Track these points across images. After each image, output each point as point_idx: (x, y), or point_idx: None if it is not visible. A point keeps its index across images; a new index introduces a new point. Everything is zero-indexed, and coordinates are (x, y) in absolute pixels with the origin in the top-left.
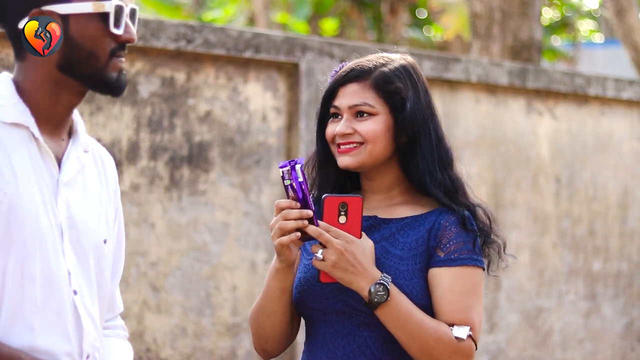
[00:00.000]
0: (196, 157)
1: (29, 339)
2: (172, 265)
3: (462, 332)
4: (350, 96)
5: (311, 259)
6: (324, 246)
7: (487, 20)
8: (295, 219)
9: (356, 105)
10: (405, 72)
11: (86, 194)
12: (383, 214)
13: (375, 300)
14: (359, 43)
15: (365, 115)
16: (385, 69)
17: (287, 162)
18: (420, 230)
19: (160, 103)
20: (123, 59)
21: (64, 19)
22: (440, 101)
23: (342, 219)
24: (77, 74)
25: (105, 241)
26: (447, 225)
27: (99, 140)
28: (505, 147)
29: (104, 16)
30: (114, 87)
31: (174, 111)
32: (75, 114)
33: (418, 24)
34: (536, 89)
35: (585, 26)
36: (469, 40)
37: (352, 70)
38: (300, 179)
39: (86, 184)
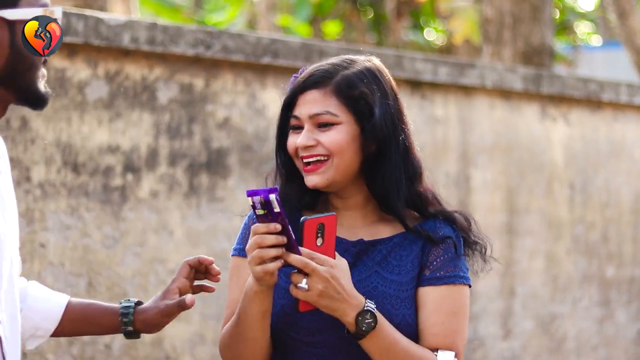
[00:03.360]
0: (214, 164)
1: None
2: None
3: (447, 357)
4: (310, 105)
5: (290, 282)
6: (305, 274)
7: (498, 25)
8: (271, 246)
9: (317, 115)
10: (370, 75)
11: (3, 202)
12: (367, 235)
13: (364, 329)
14: (376, 49)
15: (328, 125)
16: (347, 72)
17: (257, 190)
18: (414, 249)
19: (179, 109)
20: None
21: (11, 25)
22: (455, 107)
23: (319, 241)
24: (15, 85)
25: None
26: (437, 243)
27: (117, 147)
28: (519, 153)
29: None
30: (43, 101)
31: (193, 117)
32: None
33: (418, 26)
34: (550, 95)
35: (583, 28)
36: (477, 45)
37: (311, 75)
38: (277, 209)
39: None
